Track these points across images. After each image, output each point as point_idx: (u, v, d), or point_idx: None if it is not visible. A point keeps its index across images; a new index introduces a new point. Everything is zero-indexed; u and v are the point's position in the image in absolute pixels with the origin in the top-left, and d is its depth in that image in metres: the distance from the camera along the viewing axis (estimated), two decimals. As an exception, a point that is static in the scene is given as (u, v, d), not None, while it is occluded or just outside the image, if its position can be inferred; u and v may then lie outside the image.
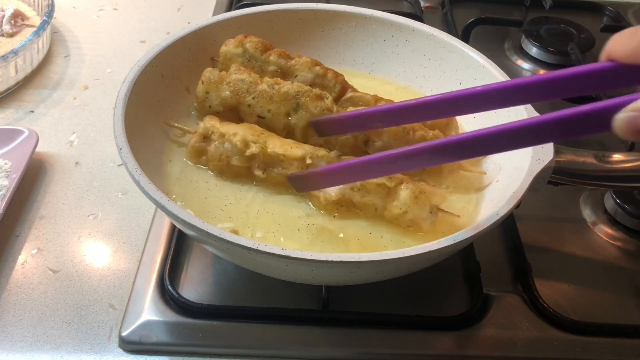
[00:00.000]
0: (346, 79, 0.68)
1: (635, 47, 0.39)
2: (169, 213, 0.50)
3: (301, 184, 0.58)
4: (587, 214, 0.73)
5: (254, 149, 0.59)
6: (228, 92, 0.63)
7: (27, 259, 0.64)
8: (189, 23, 1.01)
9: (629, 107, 0.39)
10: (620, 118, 0.39)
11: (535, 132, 0.45)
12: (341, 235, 0.58)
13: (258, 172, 0.60)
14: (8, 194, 0.65)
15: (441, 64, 0.73)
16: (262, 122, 0.63)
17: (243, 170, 0.61)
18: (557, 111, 0.43)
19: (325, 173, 0.56)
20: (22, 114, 0.82)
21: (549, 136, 0.47)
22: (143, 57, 0.64)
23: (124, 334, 0.57)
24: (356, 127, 0.58)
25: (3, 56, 0.80)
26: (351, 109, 0.62)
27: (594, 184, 0.61)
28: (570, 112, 0.42)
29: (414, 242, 0.57)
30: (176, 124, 0.64)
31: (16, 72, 0.84)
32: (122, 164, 0.57)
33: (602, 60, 0.41)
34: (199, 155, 0.62)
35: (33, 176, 0.72)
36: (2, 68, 0.81)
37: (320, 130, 0.59)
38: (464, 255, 0.65)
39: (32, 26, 0.92)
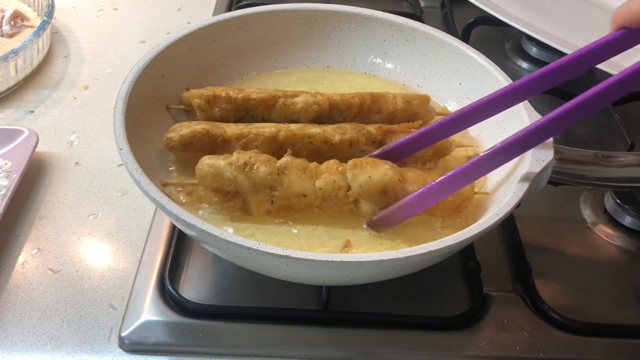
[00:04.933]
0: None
1: None
2: (169, 213, 0.50)
3: (381, 224, 0.58)
4: (587, 214, 0.73)
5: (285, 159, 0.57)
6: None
7: (27, 259, 0.64)
8: (189, 23, 1.01)
9: None
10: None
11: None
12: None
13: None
14: (8, 194, 0.65)
15: (441, 64, 0.73)
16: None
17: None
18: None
19: (406, 204, 0.56)
20: (22, 114, 0.82)
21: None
22: (143, 57, 0.64)
23: (124, 334, 0.57)
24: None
25: (3, 56, 0.80)
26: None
27: (594, 184, 0.61)
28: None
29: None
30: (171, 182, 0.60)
31: (16, 72, 0.84)
32: (122, 164, 0.57)
33: (613, 31, 0.50)
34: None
35: (33, 176, 0.72)
36: (2, 68, 0.80)
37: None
38: (464, 255, 0.65)
39: (32, 26, 0.92)
